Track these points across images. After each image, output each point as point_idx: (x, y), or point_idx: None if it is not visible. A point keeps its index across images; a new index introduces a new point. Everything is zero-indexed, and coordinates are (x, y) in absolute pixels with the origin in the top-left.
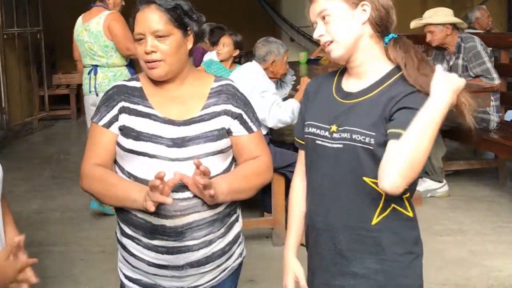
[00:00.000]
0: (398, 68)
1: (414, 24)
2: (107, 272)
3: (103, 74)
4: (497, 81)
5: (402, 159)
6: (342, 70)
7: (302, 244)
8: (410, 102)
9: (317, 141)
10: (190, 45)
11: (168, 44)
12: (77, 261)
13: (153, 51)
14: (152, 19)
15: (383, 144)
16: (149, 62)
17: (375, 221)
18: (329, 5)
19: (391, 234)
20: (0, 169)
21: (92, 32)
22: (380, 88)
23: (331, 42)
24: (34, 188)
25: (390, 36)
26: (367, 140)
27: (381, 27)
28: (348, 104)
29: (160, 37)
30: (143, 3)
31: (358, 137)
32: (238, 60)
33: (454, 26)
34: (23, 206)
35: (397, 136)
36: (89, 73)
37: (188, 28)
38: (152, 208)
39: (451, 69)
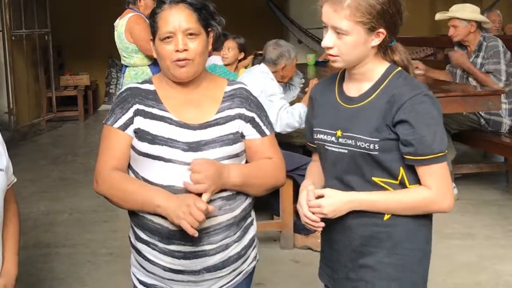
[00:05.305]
0: (393, 65)
1: (439, 16)
2: (114, 274)
3: (128, 72)
4: (502, 85)
5: None
6: (342, 72)
7: (310, 248)
8: (411, 112)
9: (326, 147)
10: (210, 47)
11: (198, 43)
12: (84, 263)
13: (185, 49)
14: (183, 17)
15: (387, 149)
16: (179, 60)
17: (387, 216)
18: (347, 27)
19: (403, 229)
20: (4, 178)
21: (118, 34)
22: (379, 90)
23: (337, 55)
24: (41, 190)
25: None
26: (371, 146)
27: (387, 47)
28: (350, 109)
29: (191, 35)
30: (170, 2)
31: (362, 144)
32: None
33: (479, 24)
34: (31, 208)
35: (416, 162)
36: (120, 71)
37: (210, 30)
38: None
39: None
